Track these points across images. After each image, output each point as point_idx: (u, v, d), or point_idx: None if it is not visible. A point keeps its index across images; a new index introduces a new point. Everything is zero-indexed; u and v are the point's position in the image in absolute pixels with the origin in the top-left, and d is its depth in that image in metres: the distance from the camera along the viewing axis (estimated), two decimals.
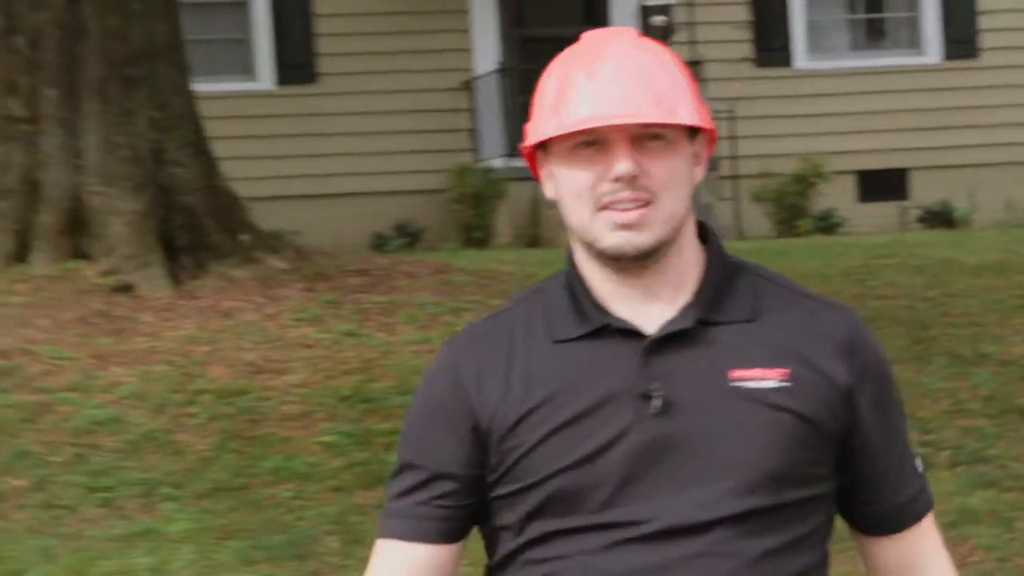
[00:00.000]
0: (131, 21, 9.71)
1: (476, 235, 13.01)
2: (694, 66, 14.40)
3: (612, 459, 1.23)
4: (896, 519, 1.35)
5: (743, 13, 15.35)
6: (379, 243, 13.28)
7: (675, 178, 1.27)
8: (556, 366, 1.29)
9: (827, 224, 14.48)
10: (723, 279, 1.32)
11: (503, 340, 1.34)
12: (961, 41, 15.62)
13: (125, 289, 8.91)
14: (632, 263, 1.27)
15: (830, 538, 1.34)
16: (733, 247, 7.86)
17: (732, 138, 13.95)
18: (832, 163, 14.41)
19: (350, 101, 14.71)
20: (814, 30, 15.38)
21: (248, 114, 14.05)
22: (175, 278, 9.09)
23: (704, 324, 1.28)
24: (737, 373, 1.24)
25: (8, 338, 8.28)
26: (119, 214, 9.39)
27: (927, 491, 1.38)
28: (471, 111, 14.62)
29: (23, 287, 8.91)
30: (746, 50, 15.51)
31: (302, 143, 14.38)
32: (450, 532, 1.31)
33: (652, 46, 1.37)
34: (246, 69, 15.02)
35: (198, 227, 9.66)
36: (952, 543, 6.83)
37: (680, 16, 14.90)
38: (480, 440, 1.29)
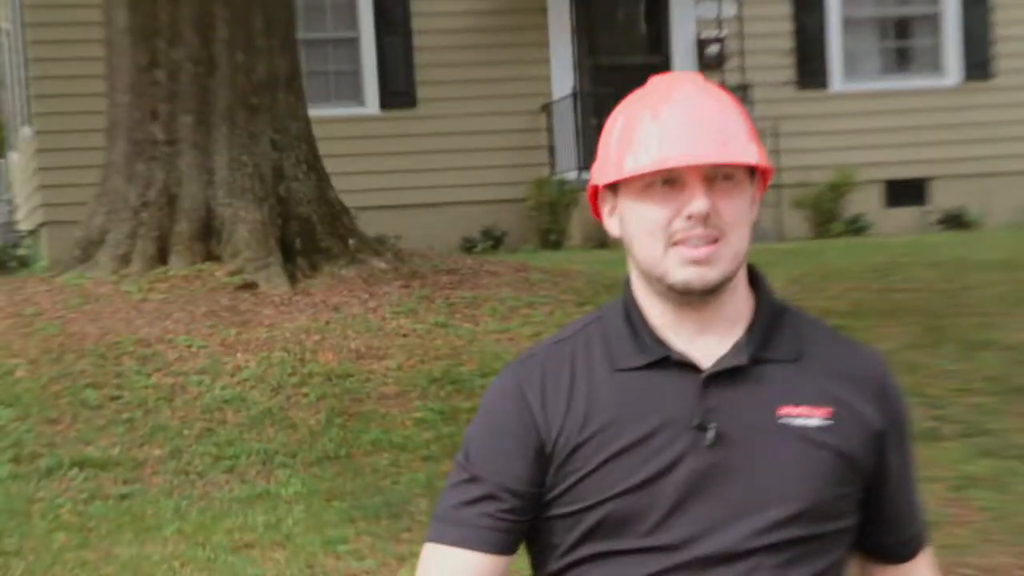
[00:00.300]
0: (256, 56, 10.44)
1: (552, 238, 13.85)
2: (743, 90, 15.21)
3: (666, 485, 1.26)
4: (905, 550, 1.42)
5: (787, 42, 16.07)
6: (467, 246, 13.91)
7: (741, 217, 1.30)
8: (616, 394, 1.31)
9: (857, 227, 15.26)
10: (772, 319, 1.36)
11: (565, 366, 1.35)
12: (977, 65, 16.36)
13: (248, 287, 9.46)
14: (697, 298, 1.30)
15: (848, 569, 1.39)
16: (776, 247, 8.32)
17: (775, 152, 13.74)
18: (862, 174, 15.16)
19: (444, 123, 15.34)
20: (849, 57, 16.13)
21: (356, 135, 14.91)
22: (291, 277, 9.64)
23: (756, 362, 1.31)
24: (785, 410, 1.28)
25: (150, 329, 8.84)
26: (244, 222, 9.94)
27: (926, 525, 1.47)
28: (549, 131, 15.38)
29: (163, 286, 9.49)
30: (789, 74, 16.17)
31: (402, 160, 15.07)
32: (507, 544, 1.33)
33: (715, 90, 1.40)
34: (355, 96, 15.79)
35: (311, 233, 10.24)
36: (956, 504, 6.33)
37: (731, 46, 15.58)
38: (543, 461, 1.31)
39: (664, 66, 15.83)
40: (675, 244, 1.23)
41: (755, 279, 1.38)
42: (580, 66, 15.49)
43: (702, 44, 15.92)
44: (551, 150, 15.54)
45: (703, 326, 1.30)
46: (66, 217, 13.61)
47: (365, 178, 13.96)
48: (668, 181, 1.24)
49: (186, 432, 7.70)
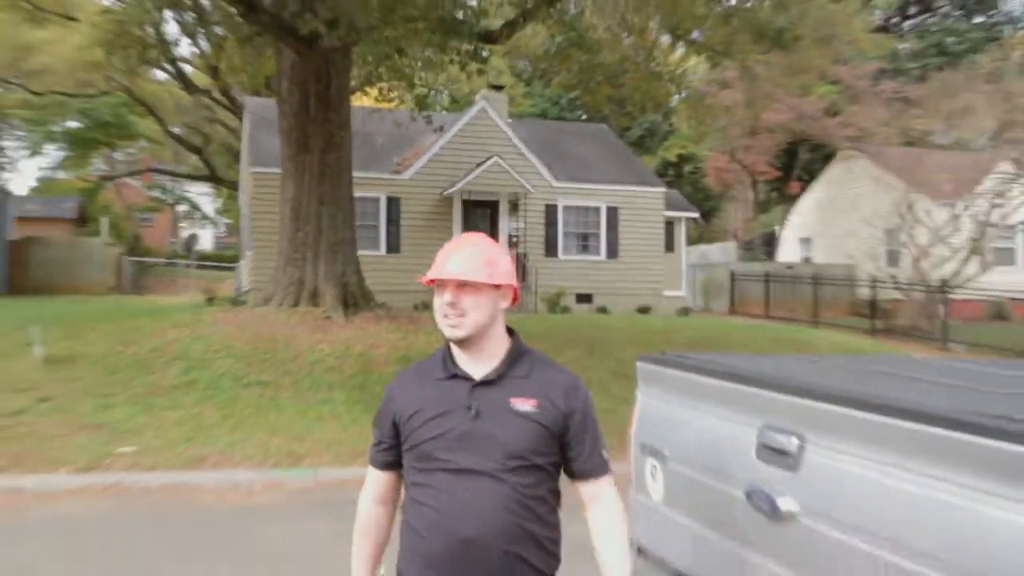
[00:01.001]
0: (339, 228, 14.90)
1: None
2: (525, 256, 21.43)
3: (450, 435, 2.19)
4: (588, 473, 2.32)
5: (542, 237, 22.87)
6: (416, 306, 17.52)
7: (478, 305, 2.23)
8: (431, 391, 2.26)
9: (564, 310, 22.02)
10: (516, 356, 2.30)
11: (414, 376, 2.37)
12: (612, 252, 24.09)
13: (328, 318, 13.71)
14: (460, 344, 2.27)
15: (551, 486, 2.30)
16: (531, 317, 18.30)
17: (534, 279, 21.94)
18: (569, 290, 22.34)
19: (412, 261, 21.27)
20: (567, 242, 23.79)
21: (375, 263, 18.80)
22: (345, 315, 13.98)
23: (501, 376, 2.23)
24: (514, 400, 2.19)
25: (290, 332, 12.80)
26: (328, 293, 14.32)
27: (607, 466, 2.35)
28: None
29: (295, 317, 13.81)
30: (542, 250, 23.11)
31: (394, 275, 20.77)
32: (388, 465, 2.41)
33: (480, 242, 2.34)
34: (375, 246, 21.05)
35: (354, 299, 14.64)
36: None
37: (522, 238, 22.58)
38: (396, 425, 2.33)
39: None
40: (444, 316, 2.25)
41: (512, 333, 2.34)
42: None
43: (511, 237, 23.05)
44: None
45: (475, 359, 2.27)
46: (259, 286, 18.64)
47: (376, 282, 17.22)
48: (439, 284, 2.25)
49: (300, 373, 11.61)
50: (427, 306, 19.75)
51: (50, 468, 8.39)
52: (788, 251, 33.69)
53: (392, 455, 2.40)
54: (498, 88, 25.55)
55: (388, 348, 12.69)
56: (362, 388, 11.12)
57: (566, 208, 23.93)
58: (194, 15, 18.33)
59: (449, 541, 2.16)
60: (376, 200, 21.94)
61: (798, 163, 36.21)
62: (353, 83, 16.71)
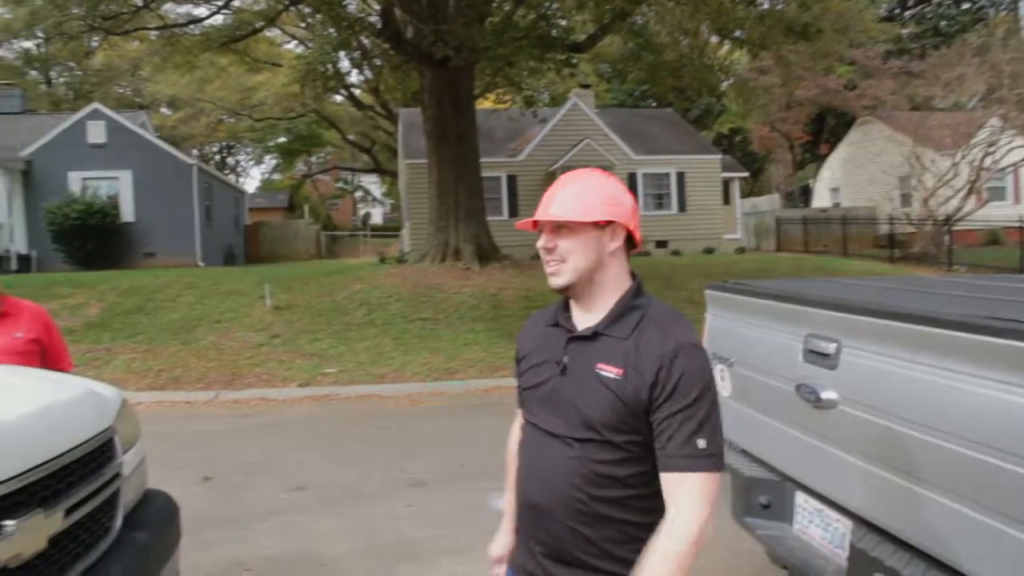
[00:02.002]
0: (472, 198, 14.80)
1: None
2: None
3: (541, 391, 1.55)
4: (668, 463, 1.40)
5: None
6: (535, 256, 19.14)
7: (575, 248, 1.49)
8: (539, 336, 1.62)
9: (645, 253, 21.14)
10: (622, 312, 1.49)
11: (534, 319, 1.70)
12: None
13: (468, 269, 13.82)
14: (563, 292, 1.54)
15: (641, 470, 1.44)
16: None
17: None
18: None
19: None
20: None
21: (498, 226, 19.60)
22: (480, 266, 14.08)
23: (597, 335, 1.49)
24: (599, 365, 1.45)
25: (440, 280, 12.82)
26: (467, 250, 14.47)
27: (699, 462, 1.37)
28: None
29: (442, 268, 13.90)
30: None
31: (516, 234, 22.32)
32: (523, 404, 1.65)
33: (579, 177, 1.55)
34: (499, 211, 21.24)
35: (486, 253, 14.54)
36: None
37: None
38: (518, 362, 1.68)
39: None
40: (545, 264, 1.54)
41: (637, 287, 1.54)
42: None
43: None
44: None
45: (584, 309, 1.54)
46: (416, 247, 18.32)
47: (501, 240, 16.65)
48: (540, 229, 1.55)
49: (450, 311, 11.69)
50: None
51: (283, 383, 8.97)
52: (820, 199, 32.58)
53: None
54: (586, 87, 25.28)
55: (513, 290, 12.71)
56: (495, 320, 11.19)
57: (644, 175, 23.44)
58: (359, 52, 18.78)
59: (525, 501, 1.59)
60: (498, 178, 21.91)
61: (826, 128, 34.87)
62: (476, 91, 16.94)
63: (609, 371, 1.45)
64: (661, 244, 22.90)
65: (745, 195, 31.34)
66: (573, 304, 1.57)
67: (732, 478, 2.89)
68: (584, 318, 1.54)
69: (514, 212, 22.25)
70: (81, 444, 2.03)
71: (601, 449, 1.45)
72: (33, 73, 39.40)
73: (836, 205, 29.35)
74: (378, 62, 20.13)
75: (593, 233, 1.49)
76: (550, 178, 22.44)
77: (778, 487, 2.69)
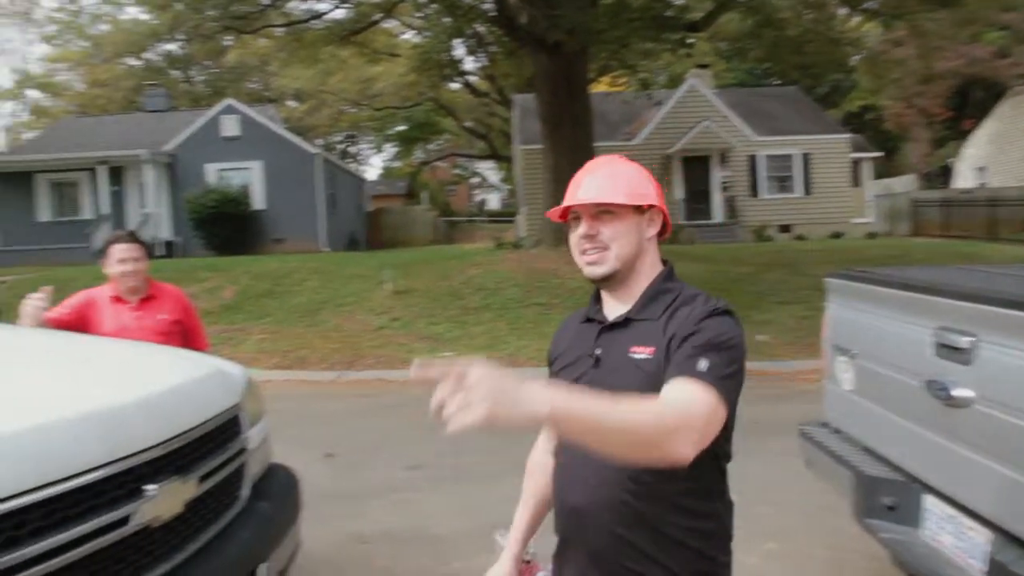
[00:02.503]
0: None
1: None
2: None
3: (581, 382, 1.43)
4: (671, 377, 1.28)
5: None
6: None
7: (619, 235, 1.41)
8: (572, 335, 1.55)
9: (768, 238, 20.82)
10: (652, 296, 1.43)
11: (568, 319, 1.62)
12: None
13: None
14: (600, 282, 1.46)
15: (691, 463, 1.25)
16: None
17: None
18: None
19: None
20: None
21: None
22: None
23: (630, 321, 1.42)
24: (633, 348, 1.38)
25: (553, 266, 12.42)
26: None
27: (699, 374, 1.26)
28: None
29: (554, 254, 13.12)
30: (747, 192, 21.26)
31: None
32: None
33: (613, 163, 1.49)
34: None
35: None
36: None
37: None
38: (549, 365, 1.60)
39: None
40: (581, 253, 1.44)
41: (668, 270, 1.48)
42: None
43: (722, 183, 21.50)
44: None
45: (619, 300, 1.46)
46: (531, 233, 18.84)
47: None
48: (574, 217, 1.46)
49: (564, 295, 11.29)
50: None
51: (400, 365, 9.22)
52: (963, 179, 30.16)
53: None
54: (704, 67, 24.48)
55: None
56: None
57: (766, 157, 22.64)
58: (474, 40, 18.97)
59: (562, 507, 1.47)
60: None
61: (970, 102, 32.08)
62: (591, 75, 16.67)
63: (642, 352, 1.37)
64: (784, 229, 22.12)
65: (878, 176, 29.51)
66: (606, 296, 1.49)
67: (853, 476, 2.76)
68: (617, 308, 1.47)
69: None
70: (211, 418, 2.19)
71: None
72: (175, 73, 42.37)
73: (982, 186, 27.19)
74: (493, 49, 20.29)
75: (635, 218, 1.43)
76: (665, 162, 22.04)
77: (905, 488, 2.55)
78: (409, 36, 30.14)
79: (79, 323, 3.30)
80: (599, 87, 22.72)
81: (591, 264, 1.43)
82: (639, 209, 1.43)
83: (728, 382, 1.29)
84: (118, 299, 3.41)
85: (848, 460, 2.85)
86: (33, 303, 3.09)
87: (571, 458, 1.44)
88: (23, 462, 1.55)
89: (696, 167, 22.27)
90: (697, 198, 22.19)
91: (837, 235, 21.79)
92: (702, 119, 21.79)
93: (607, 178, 1.43)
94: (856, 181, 23.99)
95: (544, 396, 1.07)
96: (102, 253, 3.43)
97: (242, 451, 2.39)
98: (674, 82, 28.11)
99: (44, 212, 21.93)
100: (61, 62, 45.15)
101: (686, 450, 1.18)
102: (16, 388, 1.95)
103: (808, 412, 3.50)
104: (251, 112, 22.53)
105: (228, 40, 19.02)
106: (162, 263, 15.90)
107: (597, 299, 1.51)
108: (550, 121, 14.89)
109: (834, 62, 18.16)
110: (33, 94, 47.28)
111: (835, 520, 3.72)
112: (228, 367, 2.62)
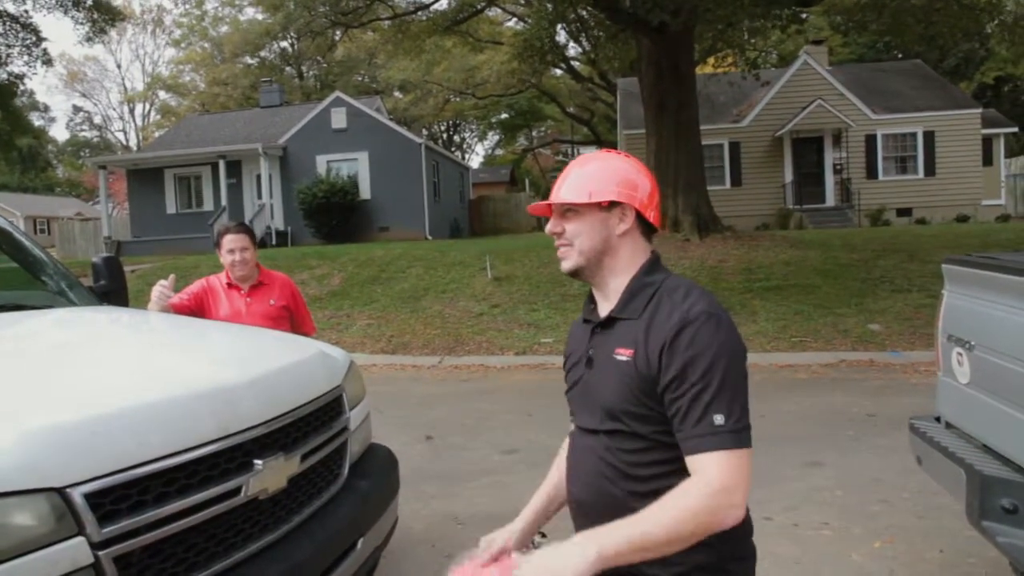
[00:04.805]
0: (692, 170, 14.29)
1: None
2: None
3: (576, 390, 1.50)
4: (686, 444, 1.27)
5: None
6: (759, 227, 15.25)
7: (581, 232, 1.42)
8: (576, 335, 1.56)
9: (885, 222, 19.79)
10: (633, 292, 1.40)
11: (576, 322, 1.59)
12: None
13: (688, 240, 13.48)
14: (575, 278, 1.48)
15: (668, 457, 1.31)
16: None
17: None
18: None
19: (748, 189, 20.93)
20: None
21: (721, 197, 18.13)
22: (699, 237, 13.66)
23: (614, 320, 1.40)
24: (617, 349, 1.37)
25: (673, 253, 14.79)
26: (686, 221, 14.12)
27: (718, 440, 1.23)
28: None
29: (672, 243, 13.02)
30: (863, 174, 20.36)
31: (746, 203, 20.85)
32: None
33: (590, 158, 1.47)
34: (721, 180, 21.37)
35: (705, 224, 14.20)
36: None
37: None
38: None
39: None
40: (557, 248, 1.47)
41: (652, 263, 1.44)
42: None
43: (835, 165, 20.56)
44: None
45: (603, 297, 1.47)
46: None
47: (722, 210, 16.91)
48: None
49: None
50: (767, 227, 19.11)
51: (501, 352, 9.41)
52: None
53: None
54: (818, 43, 23.38)
55: (734, 262, 12.22)
56: (713, 292, 10.59)
57: (884, 136, 21.38)
58: (576, 24, 18.88)
59: (570, 500, 1.52)
60: (720, 145, 21.31)
61: None
62: (696, 56, 16.26)
63: (623, 354, 1.36)
64: (903, 212, 20.95)
65: (1015, 153, 27.39)
66: (596, 294, 1.50)
67: (968, 475, 2.60)
68: (605, 307, 1.46)
69: (737, 181, 21.47)
70: (315, 399, 2.32)
71: (628, 440, 1.36)
72: (288, 70, 44.27)
73: None
74: (595, 33, 20.16)
75: (599, 215, 1.41)
76: (775, 144, 21.28)
77: None
78: (512, 23, 30.39)
79: (197, 308, 3.54)
80: (704, 69, 22.10)
81: (560, 259, 1.47)
82: (603, 205, 1.41)
83: (744, 415, 1.28)
84: (232, 286, 3.63)
85: (963, 458, 2.69)
86: (160, 289, 3.35)
87: (572, 454, 1.50)
88: (149, 434, 1.70)
89: (807, 148, 21.48)
90: (807, 181, 21.25)
91: (963, 219, 20.43)
92: (815, 98, 20.77)
93: (576, 177, 1.44)
94: (988, 159, 22.20)
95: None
96: (215, 243, 3.65)
97: (343, 431, 2.51)
98: (785, 60, 27.04)
99: (171, 204, 23.50)
100: (185, 63, 48.11)
101: (738, 513, 1.24)
102: (142, 367, 2.13)
103: (921, 406, 3.33)
104: (358, 104, 23.23)
105: (337, 35, 19.70)
106: (275, 251, 16.74)
107: (592, 299, 1.51)
108: (653, 105, 14.73)
109: (964, 31, 16.85)
110: (162, 95, 50.63)
111: (949, 521, 3.55)
112: (331, 350, 2.75)
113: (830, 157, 21.41)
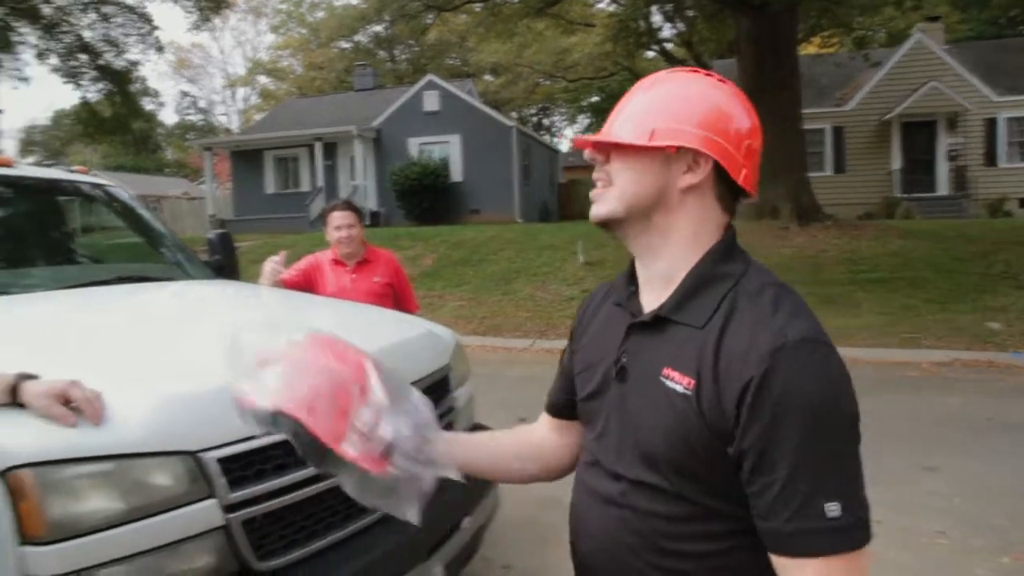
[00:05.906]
0: (792, 151, 13.55)
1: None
2: None
3: (593, 404, 1.08)
4: (772, 542, 0.88)
5: None
6: (861, 216, 14.83)
7: (624, 171, 1.01)
8: (600, 319, 1.14)
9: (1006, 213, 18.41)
10: (697, 286, 0.98)
11: (600, 291, 1.23)
12: None
13: (786, 228, 13.01)
14: (607, 229, 1.07)
15: (726, 528, 0.93)
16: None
17: None
18: None
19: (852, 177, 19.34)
20: None
21: (821, 185, 17.11)
22: (799, 225, 13.08)
23: (663, 320, 0.99)
24: (666, 371, 0.95)
25: (759, 241, 12.05)
26: (785, 208, 13.55)
27: (834, 536, 0.85)
28: None
29: (758, 229, 12.74)
30: (981, 161, 18.93)
31: (851, 192, 19.38)
32: (552, 408, 1.25)
33: (659, 80, 1.05)
34: (820, 167, 19.63)
35: (805, 212, 13.59)
36: None
37: None
38: (571, 354, 1.21)
39: None
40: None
41: (728, 246, 1.02)
42: None
43: (949, 152, 19.20)
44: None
45: (648, 276, 1.06)
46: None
47: (824, 198, 15.60)
48: None
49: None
50: (871, 216, 18.23)
51: None
52: None
53: (558, 395, 1.24)
54: (934, 19, 21.97)
55: (835, 252, 11.73)
56: (814, 284, 10.21)
57: (1008, 119, 19.90)
58: (671, 5, 18.46)
59: (572, 547, 1.13)
60: (822, 130, 20.41)
61: None
62: (799, 35, 15.59)
63: (677, 381, 0.94)
64: None
65: None
66: (638, 270, 1.09)
67: None
68: (651, 295, 1.05)
69: (840, 168, 20.59)
70: (424, 377, 2.35)
71: (668, 502, 0.96)
72: (381, 53, 45.15)
73: None
74: (691, 13, 19.71)
75: (658, 159, 1.00)
76: (882, 128, 20.32)
77: None
78: (604, 5, 30.02)
79: (305, 284, 3.64)
80: (808, 49, 21.24)
81: (593, 201, 1.06)
82: (675, 151, 0.99)
83: (864, 498, 0.89)
84: (338, 262, 3.72)
85: None
86: (272, 265, 3.46)
87: (580, 496, 1.11)
88: None
89: (918, 133, 20.26)
90: (917, 168, 20.10)
91: None
92: (928, 79, 19.61)
93: (638, 105, 1.04)
94: None
95: None
96: (322, 220, 3.74)
97: (450, 410, 2.53)
98: (895, 40, 25.65)
99: (270, 185, 24.40)
100: (284, 49, 49.76)
101: None
102: None
103: None
104: (450, 87, 23.48)
105: (429, 18, 19.95)
106: (369, 232, 16.71)
107: (632, 274, 1.10)
108: (751, 87, 14.11)
109: None
110: (262, 79, 52.60)
111: None
112: (438, 329, 2.78)
113: (944, 143, 20.13)
